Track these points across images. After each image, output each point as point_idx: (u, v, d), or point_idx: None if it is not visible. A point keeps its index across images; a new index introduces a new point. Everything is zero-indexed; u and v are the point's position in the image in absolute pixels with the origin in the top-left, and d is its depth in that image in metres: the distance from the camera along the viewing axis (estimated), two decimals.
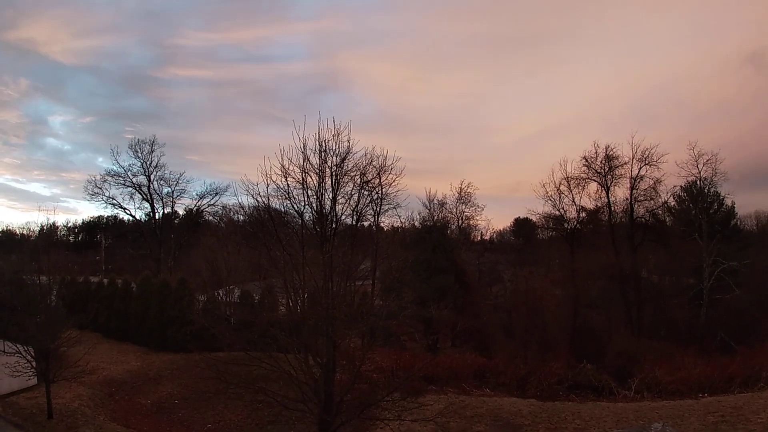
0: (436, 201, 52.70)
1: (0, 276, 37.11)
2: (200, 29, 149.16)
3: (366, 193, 23.37)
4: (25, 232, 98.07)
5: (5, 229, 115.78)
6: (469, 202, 55.52)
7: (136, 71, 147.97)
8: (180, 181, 69.25)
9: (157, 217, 69.37)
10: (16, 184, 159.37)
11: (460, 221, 56.23)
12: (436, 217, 51.90)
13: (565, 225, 49.48)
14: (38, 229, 58.28)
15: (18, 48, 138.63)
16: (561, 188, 48.60)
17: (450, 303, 43.54)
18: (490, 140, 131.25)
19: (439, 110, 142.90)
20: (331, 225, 20.83)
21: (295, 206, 20.65)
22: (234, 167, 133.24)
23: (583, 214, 49.20)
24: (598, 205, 48.92)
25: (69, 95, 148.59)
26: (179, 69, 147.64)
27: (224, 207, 74.48)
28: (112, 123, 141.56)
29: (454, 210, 55.28)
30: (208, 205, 72.72)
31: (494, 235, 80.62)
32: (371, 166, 24.18)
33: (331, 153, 20.53)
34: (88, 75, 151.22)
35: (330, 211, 20.58)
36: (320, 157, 20.29)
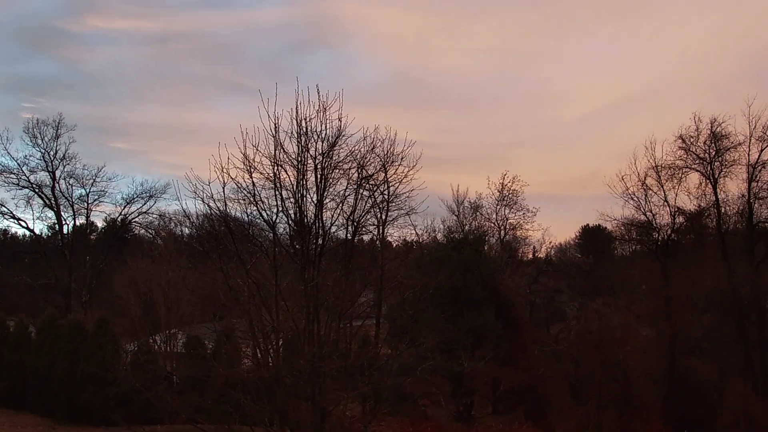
0: (467, 203, 52.97)
1: None
2: None
3: (366, 193, 23.44)
4: None
5: None
6: (516, 204, 55.93)
7: (39, 22, 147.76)
8: (98, 180, 69.52)
9: (65, 231, 69.79)
10: None
11: (502, 232, 56.54)
12: (467, 227, 52.15)
13: (655, 235, 49.65)
14: None
15: None
16: (647, 182, 48.78)
17: (490, 350, 43.61)
18: (544, 115, 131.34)
19: (471, 74, 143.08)
20: (317, 240, 20.94)
21: (264, 213, 20.76)
22: (177, 158, 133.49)
23: (681, 219, 49.38)
24: (702, 205, 49.10)
25: None
26: (101, 19, 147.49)
27: (162, 216, 74.52)
28: (2, 97, 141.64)
29: (494, 216, 55.67)
30: (139, 214, 72.94)
31: (552, 252, 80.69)
32: (373, 155, 24.20)
33: (315, 137, 20.65)
34: None
35: (314, 220, 20.68)
36: (299, 142, 20.40)
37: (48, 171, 67.25)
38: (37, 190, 67.20)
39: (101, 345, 40.88)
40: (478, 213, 54.04)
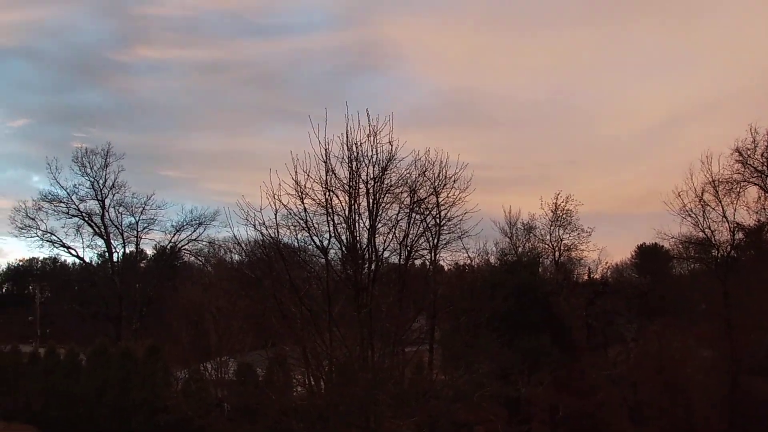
0: (520, 225, 52.61)
1: None
2: None
3: (419, 218, 23.49)
4: None
5: None
6: (570, 224, 55.30)
7: (90, 54, 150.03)
8: (148, 208, 70.37)
9: (115, 259, 70.63)
10: None
11: (557, 253, 56.04)
12: (521, 249, 51.80)
13: (714, 252, 48.80)
14: None
15: None
16: (705, 198, 47.98)
17: (547, 375, 43.22)
18: (597, 132, 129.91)
19: (523, 92, 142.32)
20: (369, 266, 20.99)
21: (316, 240, 20.90)
22: (227, 185, 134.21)
23: (740, 235, 48.46)
24: (762, 219, 48.14)
25: None
26: (150, 49, 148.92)
27: (212, 243, 74.80)
28: (54, 127, 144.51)
29: (548, 237, 55.15)
30: (189, 241, 73.58)
31: (608, 272, 79.80)
32: (424, 178, 24.27)
33: (366, 161, 20.78)
34: (19, 60, 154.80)
35: (367, 246, 20.76)
36: (350, 167, 20.55)
37: (97, 200, 68.39)
38: (86, 219, 68.26)
39: (152, 372, 41.21)
40: (531, 234, 53.58)
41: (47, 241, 68.60)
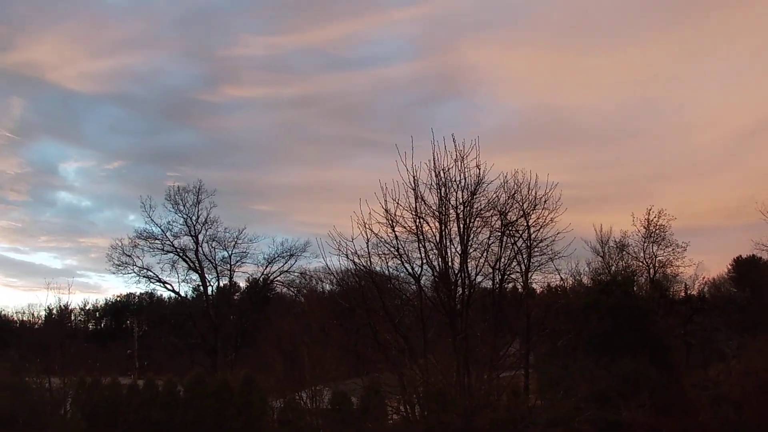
0: (612, 243, 51.75)
1: None
2: (263, 32, 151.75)
3: (511, 241, 23.27)
4: (27, 318, 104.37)
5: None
6: (663, 239, 54.17)
7: (179, 96, 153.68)
8: (240, 242, 71.67)
9: (209, 292, 71.87)
10: (15, 255, 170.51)
11: (651, 270, 54.89)
12: (614, 268, 50.89)
13: None
14: (45, 313, 62.35)
15: (15, 75, 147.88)
16: None
17: (646, 398, 42.20)
18: (686, 143, 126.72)
19: (606, 108, 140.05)
20: (463, 291, 20.84)
21: (407, 266, 20.86)
22: (316, 217, 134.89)
23: None
24: None
25: (87, 133, 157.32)
26: (237, 88, 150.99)
27: (303, 274, 75.57)
28: (148, 167, 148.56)
29: (642, 254, 54.13)
30: (281, 273, 74.46)
31: (706, 287, 77.78)
32: (513, 201, 24.05)
33: (455, 186, 20.71)
34: (112, 105, 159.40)
35: (459, 271, 20.62)
36: (439, 193, 20.50)
37: (191, 235, 70.00)
38: (181, 254, 69.89)
39: (248, 402, 41.56)
40: (624, 252, 52.67)
41: (144, 276, 70.55)
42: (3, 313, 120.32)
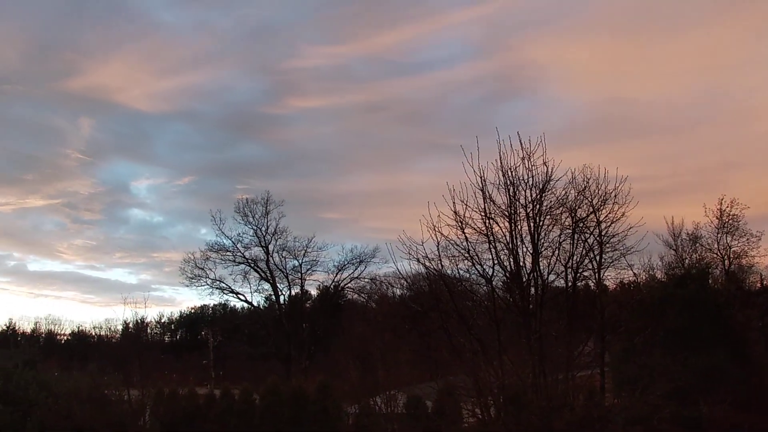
0: (684, 235, 50.65)
1: (75, 392, 39.93)
2: (323, 42, 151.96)
3: (582, 238, 22.87)
4: (104, 332, 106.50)
5: (77, 329, 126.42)
6: (737, 230, 52.77)
7: (244, 110, 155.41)
8: (310, 250, 72.33)
9: (281, 301, 72.51)
10: (91, 272, 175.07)
11: (726, 262, 53.56)
12: (687, 261, 49.81)
13: None
14: (122, 328, 63.59)
15: (85, 98, 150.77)
16: None
17: (726, 394, 41.17)
18: (757, 128, 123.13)
19: (672, 97, 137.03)
20: (536, 290, 20.54)
21: (478, 268, 20.64)
22: (384, 222, 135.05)
23: None
24: None
25: (157, 152, 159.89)
26: (301, 99, 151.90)
27: (373, 279, 75.95)
28: (217, 181, 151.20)
29: (715, 245, 52.80)
30: (351, 279, 74.92)
31: None
32: (582, 197, 23.63)
33: (523, 185, 20.46)
34: (180, 123, 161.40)
35: (531, 271, 20.33)
36: (508, 192, 20.26)
37: (261, 246, 71.09)
38: (252, 265, 70.95)
39: (323, 409, 41.59)
40: (697, 244, 51.41)
41: (216, 288, 71.72)
42: (81, 328, 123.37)
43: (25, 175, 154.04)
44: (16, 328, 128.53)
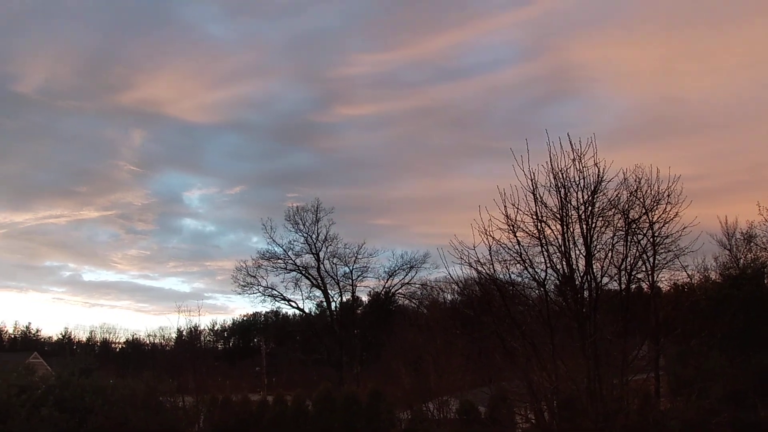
0: (738, 235, 49.72)
1: (130, 399, 40.31)
2: (370, 50, 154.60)
3: (635, 240, 22.46)
4: (158, 340, 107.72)
5: (132, 337, 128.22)
6: None
7: (293, 119, 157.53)
8: (360, 257, 72.59)
9: (333, 307, 72.72)
10: (145, 281, 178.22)
11: None
12: (742, 261, 48.88)
13: None
14: (175, 335, 64.25)
15: (136, 111, 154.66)
16: None
17: None
18: None
19: (725, 92, 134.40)
20: (590, 294, 20.22)
21: (530, 271, 20.39)
22: (435, 228, 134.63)
23: None
24: None
25: (208, 162, 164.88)
26: (349, 107, 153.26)
27: (424, 285, 75.95)
28: (267, 190, 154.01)
29: None
30: (402, 285, 74.97)
31: None
32: (635, 198, 23.23)
33: (574, 187, 20.18)
34: (230, 133, 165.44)
35: (585, 274, 20.02)
36: (559, 194, 20.00)
37: (312, 253, 71.68)
38: (303, 272, 71.52)
39: (376, 415, 41.51)
40: (752, 244, 50.38)
41: (268, 295, 72.32)
42: (136, 336, 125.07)
43: (79, 187, 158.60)
44: (72, 336, 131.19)
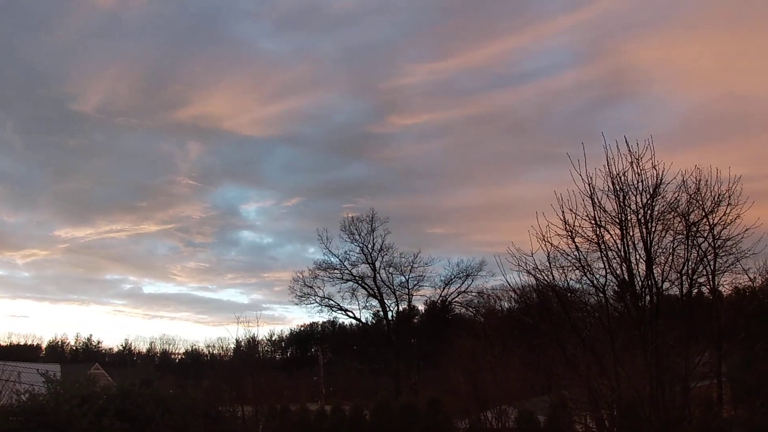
0: None
1: (190, 408, 40.58)
2: (425, 59, 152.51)
3: (695, 243, 21.95)
4: (217, 351, 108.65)
5: (191, 348, 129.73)
6: None
7: (349, 131, 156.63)
8: (416, 266, 72.44)
9: (389, 317, 72.69)
10: (204, 293, 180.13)
11: None
12: None
13: None
14: (234, 346, 64.79)
15: (194, 127, 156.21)
16: None
17: None
18: None
19: None
20: (651, 299, 19.80)
21: (589, 277, 20.05)
22: (491, 236, 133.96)
23: None
24: None
25: (265, 175, 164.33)
26: (405, 117, 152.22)
27: (481, 293, 75.53)
28: (323, 202, 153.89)
29: None
30: (458, 294, 74.60)
31: None
32: (694, 200, 22.70)
33: (633, 190, 19.82)
34: (286, 146, 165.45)
35: (645, 279, 19.61)
36: (617, 198, 19.66)
37: (368, 263, 71.75)
38: (360, 282, 71.62)
39: (433, 424, 41.27)
40: None
41: (325, 306, 72.59)
42: (195, 347, 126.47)
43: (139, 202, 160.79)
44: (132, 348, 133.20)
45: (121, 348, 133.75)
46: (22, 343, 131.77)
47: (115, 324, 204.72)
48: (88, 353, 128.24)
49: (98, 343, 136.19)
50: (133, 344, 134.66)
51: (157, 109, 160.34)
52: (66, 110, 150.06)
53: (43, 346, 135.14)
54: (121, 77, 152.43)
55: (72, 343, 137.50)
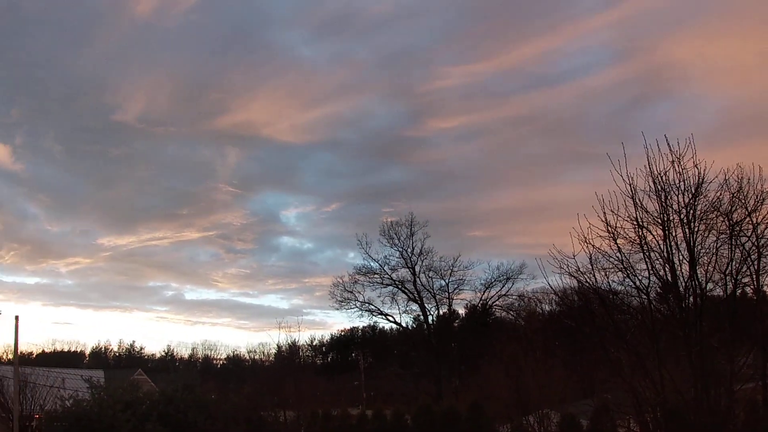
0: None
1: (232, 413, 40.79)
2: (460, 61, 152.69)
3: (739, 242, 21.56)
4: (258, 356, 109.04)
5: (232, 354, 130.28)
6: None
7: (386, 135, 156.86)
8: (456, 269, 72.21)
9: (430, 321, 72.47)
10: (245, 299, 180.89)
11: None
12: None
13: None
14: (275, 351, 65.03)
15: (233, 135, 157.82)
16: None
17: None
18: None
19: None
20: (695, 300, 19.48)
21: (631, 279, 19.80)
22: (531, 238, 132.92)
23: None
24: None
25: (304, 181, 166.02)
26: (442, 120, 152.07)
27: (521, 296, 75.36)
28: (363, 206, 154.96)
29: None
30: (499, 297, 74.25)
31: None
32: (737, 199, 22.28)
33: (674, 190, 19.54)
34: (325, 152, 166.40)
35: (689, 279, 19.31)
36: (659, 198, 19.39)
37: (408, 267, 71.61)
38: (400, 286, 71.50)
39: (475, 428, 41.09)
40: None
41: (366, 310, 72.62)
42: (236, 353, 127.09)
43: (180, 210, 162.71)
44: (175, 353, 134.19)
45: (163, 354, 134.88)
46: (66, 350, 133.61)
47: (157, 330, 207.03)
48: (131, 359, 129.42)
49: (141, 349, 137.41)
50: (175, 350, 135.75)
51: (196, 118, 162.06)
52: (107, 120, 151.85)
53: (87, 352, 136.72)
54: (161, 87, 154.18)
55: (115, 349, 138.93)
